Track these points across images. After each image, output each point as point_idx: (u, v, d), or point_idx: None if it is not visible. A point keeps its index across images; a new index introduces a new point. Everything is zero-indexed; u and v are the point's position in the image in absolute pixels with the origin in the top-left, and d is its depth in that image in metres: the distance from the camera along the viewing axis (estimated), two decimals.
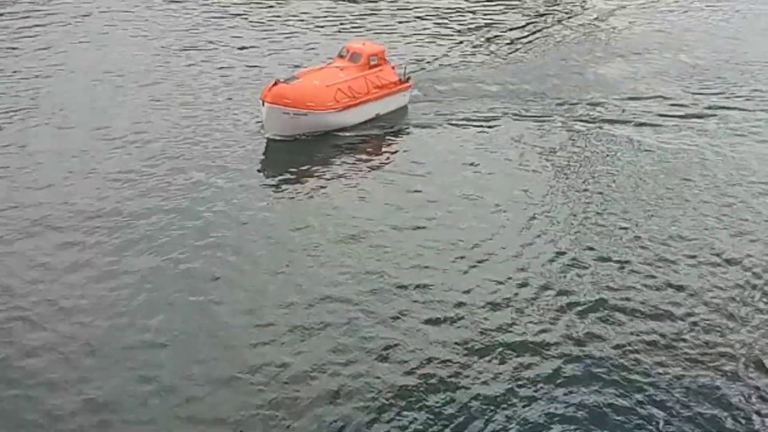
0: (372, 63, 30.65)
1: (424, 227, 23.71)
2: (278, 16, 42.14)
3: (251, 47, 37.32)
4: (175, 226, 22.93)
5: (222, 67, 34.62)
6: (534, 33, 42.36)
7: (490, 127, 30.50)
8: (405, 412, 17.11)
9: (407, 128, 30.44)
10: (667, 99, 33.79)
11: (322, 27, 40.78)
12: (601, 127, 30.95)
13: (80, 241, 22.00)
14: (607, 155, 28.88)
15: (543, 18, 45.55)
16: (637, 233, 23.79)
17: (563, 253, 22.66)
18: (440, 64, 36.33)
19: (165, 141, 27.72)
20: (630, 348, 19.15)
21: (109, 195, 24.28)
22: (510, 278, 21.45)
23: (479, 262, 22.11)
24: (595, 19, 45.83)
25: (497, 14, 45.71)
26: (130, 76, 33.03)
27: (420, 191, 25.64)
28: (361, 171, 27.19)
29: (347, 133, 29.30)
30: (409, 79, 31.72)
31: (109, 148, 26.98)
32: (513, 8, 47.13)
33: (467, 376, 18.12)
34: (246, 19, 41.47)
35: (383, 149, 29.25)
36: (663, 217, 24.73)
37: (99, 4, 42.06)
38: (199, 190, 24.92)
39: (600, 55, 39.49)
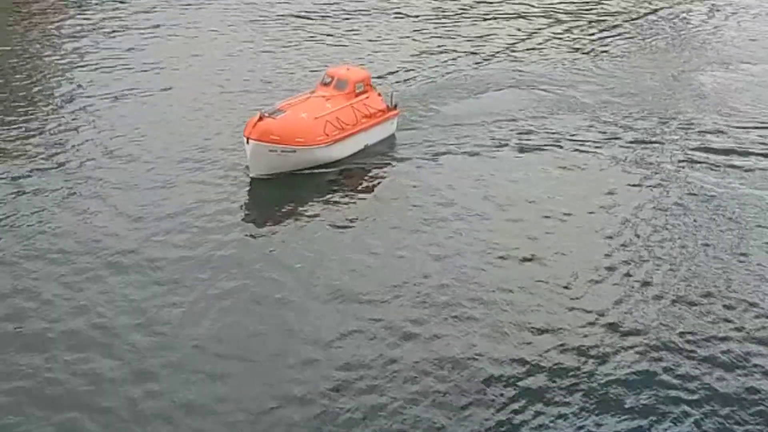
0: (358, 90, 28.34)
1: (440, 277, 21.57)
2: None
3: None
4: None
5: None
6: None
7: (523, 152, 28.44)
8: None
9: (399, 159, 28.21)
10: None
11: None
12: (681, 166, 27.77)
13: None
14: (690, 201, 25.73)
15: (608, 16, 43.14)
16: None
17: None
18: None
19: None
20: None
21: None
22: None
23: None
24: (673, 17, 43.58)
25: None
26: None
27: (435, 238, 23.43)
28: (361, 211, 24.94)
29: (335, 168, 26.99)
30: (396, 106, 29.50)
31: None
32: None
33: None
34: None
35: (380, 184, 26.94)
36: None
37: None
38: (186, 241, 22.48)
39: (686, 64, 37.18)
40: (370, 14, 42.62)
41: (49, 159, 26.31)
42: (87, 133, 28.22)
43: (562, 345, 19.02)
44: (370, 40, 38.80)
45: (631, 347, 19.01)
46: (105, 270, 20.84)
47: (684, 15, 45.15)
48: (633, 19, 43.89)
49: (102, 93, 31.44)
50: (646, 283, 21.45)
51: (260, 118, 25.37)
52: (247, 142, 25.22)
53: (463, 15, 43.39)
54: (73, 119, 29.29)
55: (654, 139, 29.94)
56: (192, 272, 21.03)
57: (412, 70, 35.02)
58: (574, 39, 40.12)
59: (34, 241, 21.84)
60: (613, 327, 19.73)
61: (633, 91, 34.17)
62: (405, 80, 33.87)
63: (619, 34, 41.24)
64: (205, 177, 25.80)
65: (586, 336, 19.38)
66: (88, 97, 31.05)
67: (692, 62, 37.82)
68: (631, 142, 29.48)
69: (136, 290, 20.11)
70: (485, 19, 42.60)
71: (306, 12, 42.41)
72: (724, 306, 20.58)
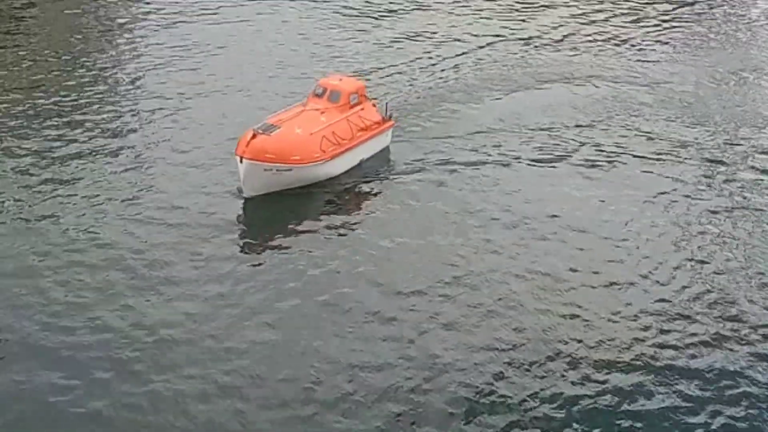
0: (353, 102, 26.98)
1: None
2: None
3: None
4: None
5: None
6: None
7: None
8: None
9: (394, 172, 26.93)
10: None
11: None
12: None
13: None
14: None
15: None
16: None
17: None
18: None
19: None
20: None
21: None
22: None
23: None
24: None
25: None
26: None
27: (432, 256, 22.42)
28: (359, 229, 23.82)
29: (330, 183, 25.68)
30: (391, 116, 28.21)
31: None
32: None
33: None
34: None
35: (376, 199, 25.66)
36: None
37: None
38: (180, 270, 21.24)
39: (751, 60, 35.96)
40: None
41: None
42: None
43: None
44: (360, 44, 37.53)
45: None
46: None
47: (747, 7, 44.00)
48: (689, 5, 42.80)
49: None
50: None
51: (254, 136, 23.97)
52: (241, 162, 23.81)
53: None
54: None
55: (716, 149, 28.72)
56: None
57: (405, 76, 33.86)
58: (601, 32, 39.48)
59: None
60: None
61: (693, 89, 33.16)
62: (398, 89, 32.46)
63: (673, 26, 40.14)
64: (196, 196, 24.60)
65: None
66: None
67: (756, 59, 36.70)
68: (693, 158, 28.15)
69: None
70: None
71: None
72: None
